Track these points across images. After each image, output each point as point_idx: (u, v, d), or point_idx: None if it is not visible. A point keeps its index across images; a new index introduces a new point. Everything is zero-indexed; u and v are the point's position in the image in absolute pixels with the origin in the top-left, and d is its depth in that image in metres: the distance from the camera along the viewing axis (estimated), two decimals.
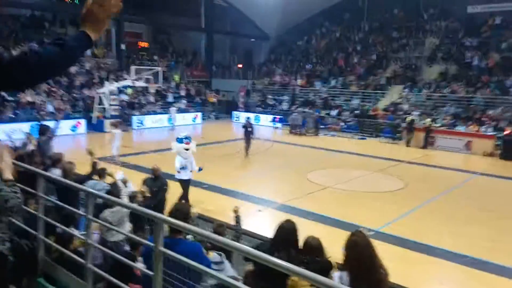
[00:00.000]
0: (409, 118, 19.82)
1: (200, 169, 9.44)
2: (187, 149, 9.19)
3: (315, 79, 28.10)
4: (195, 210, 5.60)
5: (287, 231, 3.38)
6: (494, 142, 17.44)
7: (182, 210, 3.36)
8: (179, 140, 9.29)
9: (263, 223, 8.80)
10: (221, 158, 15.58)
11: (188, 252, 2.90)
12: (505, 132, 17.30)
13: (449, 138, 18.55)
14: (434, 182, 13.02)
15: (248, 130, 15.63)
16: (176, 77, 29.66)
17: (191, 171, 9.32)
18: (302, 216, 9.12)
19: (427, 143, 18.85)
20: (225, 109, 30.18)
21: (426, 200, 10.76)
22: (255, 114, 27.03)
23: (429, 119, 19.38)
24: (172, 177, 9.03)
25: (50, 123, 9.56)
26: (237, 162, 15.15)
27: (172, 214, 3.24)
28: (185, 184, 9.16)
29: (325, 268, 3.15)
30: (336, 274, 2.84)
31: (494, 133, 17.90)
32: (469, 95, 21.11)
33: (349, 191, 11.56)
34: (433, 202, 10.67)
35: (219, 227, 5.27)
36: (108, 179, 6.86)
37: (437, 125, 19.56)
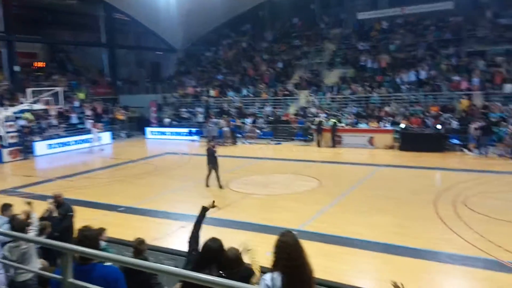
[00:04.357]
0: (317, 120, 21.03)
1: None
2: None
3: (227, 89, 28.45)
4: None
5: (212, 250, 3.39)
6: (393, 136, 19.17)
7: (90, 236, 3.14)
8: None
9: (187, 240, 8.62)
10: (136, 178, 14.98)
11: (104, 278, 2.73)
12: (402, 125, 19.16)
13: (353, 135, 20.00)
14: (345, 177, 13.93)
15: (214, 155, 12.73)
16: (81, 96, 27.93)
17: None
18: (227, 226, 9.13)
19: (335, 142, 20.11)
20: (137, 125, 29.11)
21: (340, 195, 11.45)
22: (170, 129, 26.57)
23: (334, 120, 20.71)
24: (78, 202, 8.42)
25: None
26: (154, 181, 14.65)
27: (80, 241, 2.99)
28: None
29: (244, 276, 3.22)
30: (267, 275, 2.87)
31: (392, 127, 19.69)
32: (367, 94, 22.99)
33: (270, 195, 11.86)
34: (346, 196, 11.39)
35: (141, 244, 5.00)
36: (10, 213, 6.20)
37: (342, 124, 20.97)
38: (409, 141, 18.12)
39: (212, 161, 12.74)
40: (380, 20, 27.61)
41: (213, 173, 12.79)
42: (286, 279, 2.76)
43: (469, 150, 16.99)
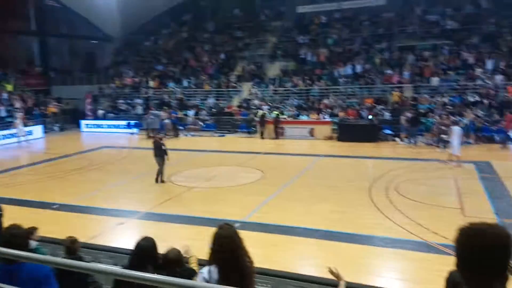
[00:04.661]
0: (260, 113, 21.25)
1: None
2: None
3: (167, 80, 27.74)
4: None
5: (145, 249, 3.31)
6: (331, 127, 19.87)
7: (18, 235, 2.93)
8: None
9: (126, 236, 8.37)
10: (71, 173, 14.22)
11: (33, 277, 2.58)
12: (340, 116, 19.93)
13: (295, 127, 20.48)
14: (288, 168, 14.25)
15: (161, 148, 12.25)
16: (9, 87, 25.84)
17: None
18: (169, 221, 8.99)
19: (278, 134, 20.48)
20: (71, 118, 27.53)
21: (283, 185, 11.70)
22: (107, 121, 25.47)
23: (276, 112, 21.05)
24: (8, 201, 7.86)
25: None
26: (91, 176, 13.99)
27: (6, 241, 2.78)
28: None
29: (184, 276, 3.21)
30: (204, 268, 2.87)
31: (330, 119, 20.40)
32: (307, 87, 23.59)
33: (214, 188, 11.82)
34: (289, 186, 11.67)
35: (73, 243, 4.74)
36: None
37: (284, 116, 21.38)
38: (346, 132, 18.91)
39: (160, 154, 12.17)
40: (319, 14, 28.33)
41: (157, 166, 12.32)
42: (223, 271, 2.78)
43: (401, 139, 18.10)
